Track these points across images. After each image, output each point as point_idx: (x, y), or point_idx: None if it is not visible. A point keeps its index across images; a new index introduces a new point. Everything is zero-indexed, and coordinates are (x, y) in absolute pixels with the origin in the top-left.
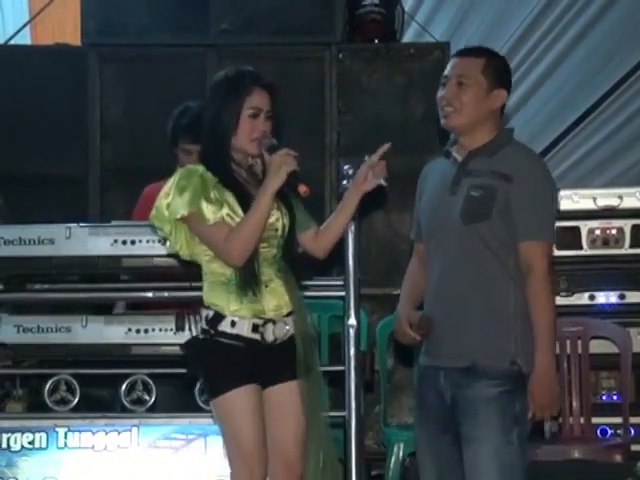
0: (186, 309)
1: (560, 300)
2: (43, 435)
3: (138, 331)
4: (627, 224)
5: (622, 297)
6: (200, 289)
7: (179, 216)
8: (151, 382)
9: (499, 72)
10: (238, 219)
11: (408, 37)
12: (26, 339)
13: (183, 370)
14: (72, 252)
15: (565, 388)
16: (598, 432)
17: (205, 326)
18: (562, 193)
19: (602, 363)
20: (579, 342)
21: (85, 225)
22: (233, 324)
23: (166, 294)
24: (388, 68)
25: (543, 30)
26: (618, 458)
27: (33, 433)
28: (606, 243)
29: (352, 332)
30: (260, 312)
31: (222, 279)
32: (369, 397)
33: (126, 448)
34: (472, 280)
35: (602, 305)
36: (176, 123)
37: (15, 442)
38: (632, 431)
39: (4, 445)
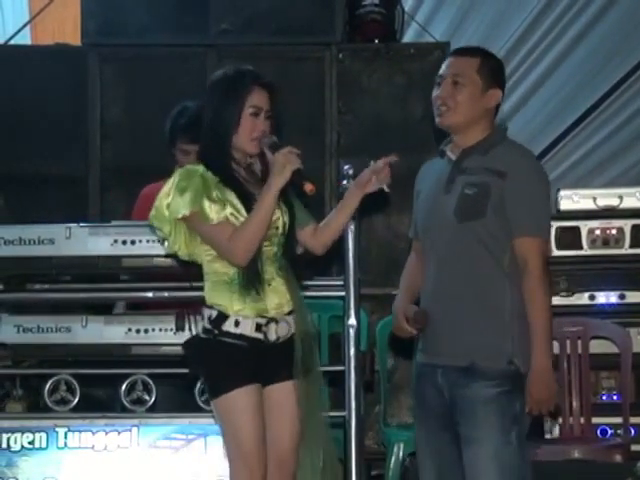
0: (186, 309)
1: (560, 300)
2: (43, 435)
3: (138, 331)
4: (627, 224)
5: (622, 297)
6: (200, 289)
7: (180, 216)
8: (151, 382)
9: (494, 72)
10: (242, 218)
11: (408, 37)
12: (26, 339)
13: (183, 370)
14: (72, 252)
15: (565, 388)
16: (598, 432)
17: (208, 326)
18: (562, 193)
19: (602, 363)
20: (579, 342)
21: (85, 225)
22: (237, 324)
23: (166, 294)
24: (388, 68)
25: (543, 30)
26: (618, 458)
27: (33, 433)
28: (606, 243)
29: (352, 332)
30: (263, 311)
31: (225, 278)
32: (369, 397)
33: (126, 448)
34: (467, 278)
35: (602, 305)
36: (174, 123)
37: (15, 442)
38: (632, 431)
39: (4, 445)
